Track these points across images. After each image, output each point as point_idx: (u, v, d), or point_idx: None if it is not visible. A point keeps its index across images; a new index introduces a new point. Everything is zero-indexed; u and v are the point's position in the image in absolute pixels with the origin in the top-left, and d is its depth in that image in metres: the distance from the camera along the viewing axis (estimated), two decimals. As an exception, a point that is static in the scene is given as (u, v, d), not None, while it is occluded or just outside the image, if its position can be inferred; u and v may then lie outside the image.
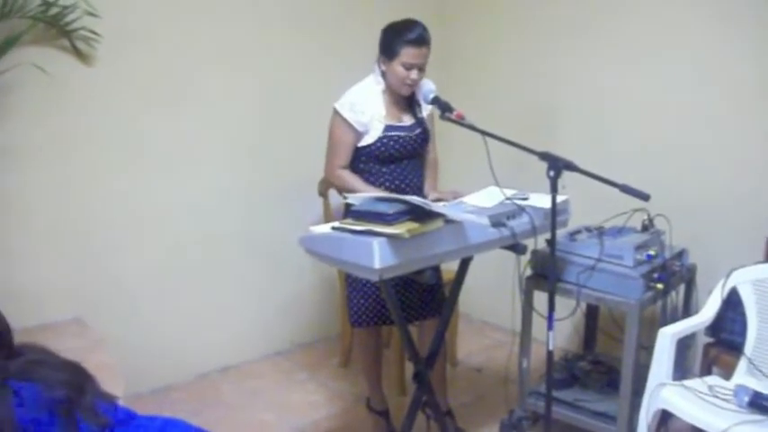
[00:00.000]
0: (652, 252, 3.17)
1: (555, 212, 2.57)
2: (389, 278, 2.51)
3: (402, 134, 3.11)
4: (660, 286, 3.07)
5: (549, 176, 2.52)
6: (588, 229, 3.38)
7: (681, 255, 3.34)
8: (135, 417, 1.71)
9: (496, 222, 2.70)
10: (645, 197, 2.44)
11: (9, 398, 1.43)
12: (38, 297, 3.40)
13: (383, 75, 3.09)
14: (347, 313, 3.38)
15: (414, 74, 3.00)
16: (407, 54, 2.97)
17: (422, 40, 2.99)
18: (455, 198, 3.03)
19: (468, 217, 2.62)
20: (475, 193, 3.01)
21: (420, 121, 3.21)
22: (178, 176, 3.86)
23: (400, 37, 2.97)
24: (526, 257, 2.99)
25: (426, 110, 3.22)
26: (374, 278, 2.42)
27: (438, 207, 2.54)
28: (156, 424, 1.71)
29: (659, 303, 3.18)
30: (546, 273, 3.13)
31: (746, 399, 2.59)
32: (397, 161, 3.14)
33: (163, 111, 3.73)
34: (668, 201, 3.22)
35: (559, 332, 3.00)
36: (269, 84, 4.14)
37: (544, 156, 2.55)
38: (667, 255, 3.23)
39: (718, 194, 3.60)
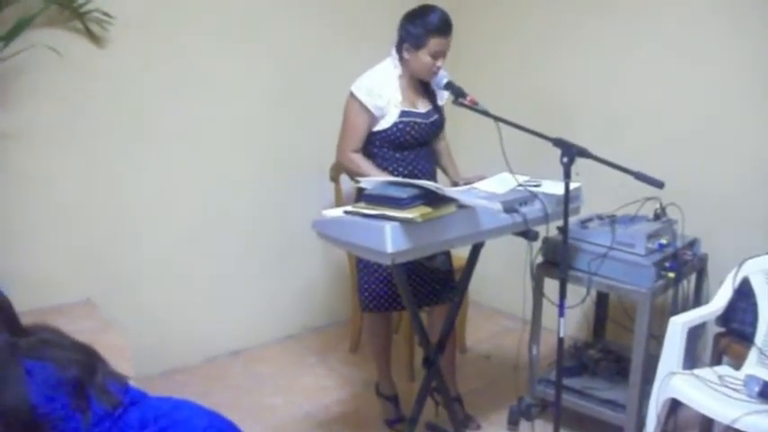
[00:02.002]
0: (664, 241, 3.16)
1: (568, 199, 2.56)
2: (401, 263, 2.50)
3: (418, 120, 3.09)
4: (671, 275, 3.06)
5: (562, 163, 2.50)
6: (600, 217, 3.37)
7: (693, 244, 3.33)
8: (146, 397, 1.72)
9: (509, 208, 2.71)
10: (659, 184, 2.43)
11: (22, 375, 1.45)
12: (48, 279, 3.41)
13: (403, 62, 3.06)
14: (358, 298, 3.38)
15: (440, 61, 2.99)
16: (435, 43, 2.95)
17: (448, 28, 2.97)
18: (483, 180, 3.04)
19: (480, 202, 2.62)
20: (488, 179, 3.01)
21: (437, 109, 3.20)
22: (190, 159, 3.86)
23: (426, 27, 2.94)
24: (537, 244, 2.98)
25: (444, 98, 3.20)
26: (386, 262, 2.42)
27: (451, 192, 2.53)
28: (168, 405, 1.72)
29: (670, 292, 3.18)
30: (557, 260, 3.12)
31: (757, 389, 2.59)
32: (411, 147, 3.12)
33: (175, 94, 3.73)
34: (681, 190, 3.21)
35: (569, 320, 3.00)
36: (282, 66, 4.13)
37: (558, 142, 2.54)
38: (679, 244, 3.22)
39: (731, 184, 3.58)
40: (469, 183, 3.08)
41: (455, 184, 3.20)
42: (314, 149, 4.08)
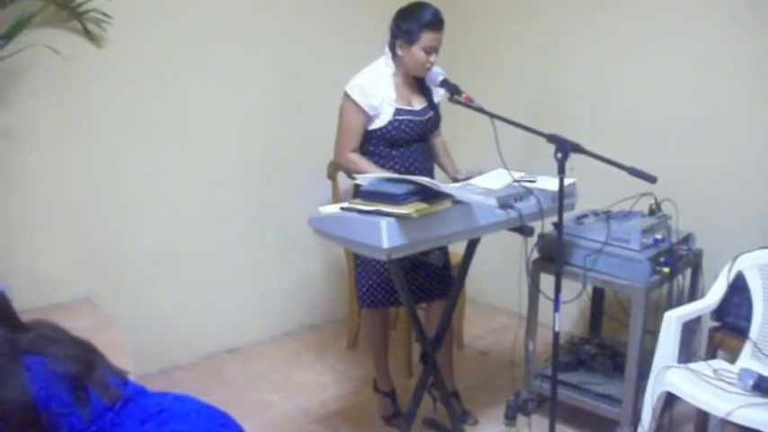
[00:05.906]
0: (659, 236, 3.17)
1: (562, 195, 2.57)
2: (398, 258, 2.52)
3: (413, 118, 3.11)
4: (666, 270, 3.07)
5: (556, 159, 2.52)
6: (595, 213, 3.38)
7: (687, 239, 3.35)
8: (146, 392, 1.74)
9: (504, 204, 2.72)
10: (652, 179, 2.44)
11: (22, 371, 1.46)
12: (48, 277, 3.43)
13: (397, 59, 3.08)
14: (356, 294, 3.40)
15: (433, 57, 3.01)
16: (428, 38, 2.97)
17: (440, 23, 2.99)
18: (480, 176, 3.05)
19: (476, 198, 2.63)
20: (483, 175, 3.02)
21: (432, 106, 3.22)
22: (187, 157, 3.88)
23: (418, 22, 2.96)
24: (533, 240, 3.00)
25: (439, 95, 3.22)
26: (383, 258, 2.43)
27: (446, 188, 2.55)
28: (168, 399, 1.73)
29: (665, 287, 3.19)
30: (553, 256, 3.14)
31: (751, 382, 2.61)
32: (407, 144, 3.14)
33: (173, 93, 3.75)
34: (675, 185, 3.23)
35: (565, 316, 3.01)
36: (279, 66, 4.16)
37: (552, 138, 2.55)
38: (674, 239, 3.23)
39: (725, 180, 3.59)
40: (470, 175, 3.09)
41: (455, 181, 3.22)
42: (311, 147, 4.09)
